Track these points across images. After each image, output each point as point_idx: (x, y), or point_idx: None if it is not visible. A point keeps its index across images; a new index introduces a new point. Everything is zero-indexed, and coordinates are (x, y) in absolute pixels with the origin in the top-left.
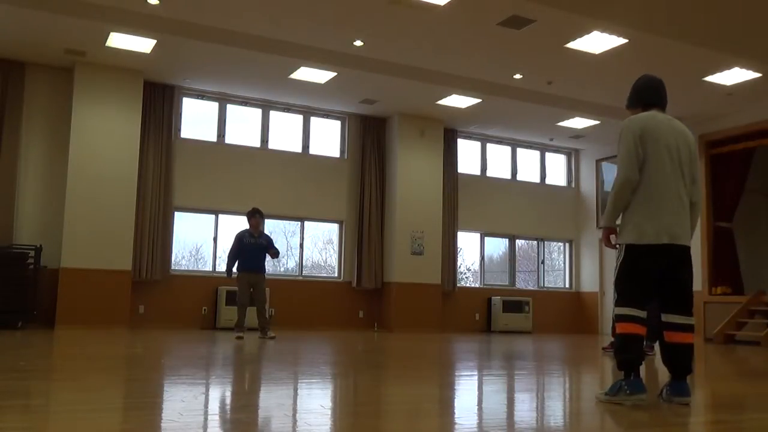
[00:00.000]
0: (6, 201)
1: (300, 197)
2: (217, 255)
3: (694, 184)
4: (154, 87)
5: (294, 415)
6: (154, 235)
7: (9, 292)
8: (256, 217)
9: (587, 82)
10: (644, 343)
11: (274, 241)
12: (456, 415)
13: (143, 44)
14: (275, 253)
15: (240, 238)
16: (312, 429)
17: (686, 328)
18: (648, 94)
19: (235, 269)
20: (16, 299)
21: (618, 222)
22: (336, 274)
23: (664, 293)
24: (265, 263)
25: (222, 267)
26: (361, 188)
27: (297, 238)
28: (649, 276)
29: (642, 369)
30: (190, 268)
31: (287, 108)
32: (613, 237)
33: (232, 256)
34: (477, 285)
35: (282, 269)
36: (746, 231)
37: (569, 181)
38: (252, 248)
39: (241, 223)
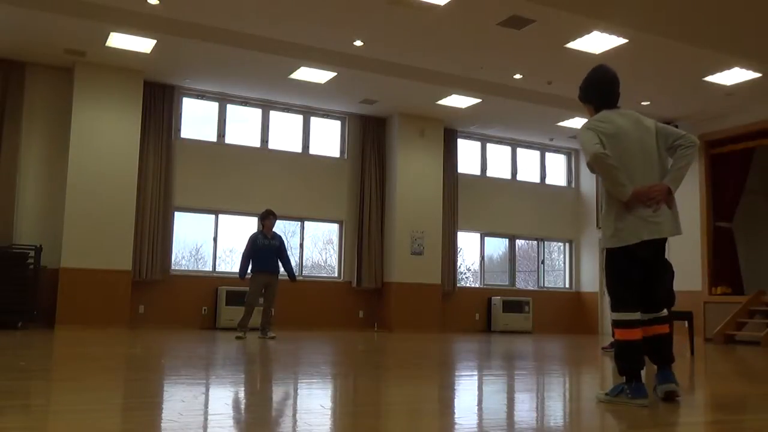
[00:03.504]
0: (6, 201)
1: (300, 197)
2: (218, 255)
3: (683, 139)
4: (154, 87)
5: (294, 415)
6: (154, 235)
7: (9, 292)
8: (270, 218)
9: None
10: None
11: (286, 242)
12: (456, 415)
13: (143, 44)
14: (293, 278)
15: (254, 240)
16: (312, 429)
17: (659, 321)
18: (600, 94)
19: (249, 271)
20: (16, 299)
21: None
22: (336, 274)
23: (642, 292)
24: (279, 265)
25: (222, 267)
26: (361, 188)
27: (297, 238)
28: (636, 274)
29: (643, 373)
30: (190, 268)
31: (287, 108)
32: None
33: (246, 258)
34: (477, 285)
35: (282, 269)
36: (746, 231)
37: (569, 181)
38: (266, 250)
39: (242, 224)
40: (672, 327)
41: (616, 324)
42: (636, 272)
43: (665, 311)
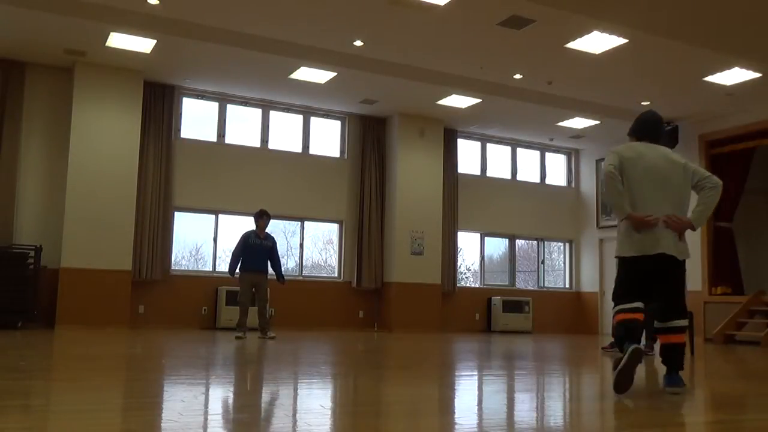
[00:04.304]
0: (6, 201)
1: (300, 197)
2: (217, 255)
3: (707, 179)
4: (154, 87)
5: (294, 415)
6: (154, 235)
7: (9, 292)
8: (263, 218)
9: (587, 82)
10: (644, 342)
11: (278, 243)
12: (456, 415)
13: (143, 44)
14: (281, 280)
15: (246, 238)
16: (312, 429)
17: (673, 331)
18: (641, 128)
19: (237, 269)
20: (16, 299)
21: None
22: (336, 274)
23: (653, 301)
24: (268, 265)
25: (222, 267)
26: (361, 188)
27: (297, 238)
28: (638, 279)
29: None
30: (190, 268)
31: (287, 108)
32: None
33: (236, 256)
34: (477, 285)
35: (282, 269)
36: (746, 231)
37: (569, 181)
38: (257, 249)
39: (242, 224)
40: (685, 336)
41: (615, 312)
42: (639, 279)
43: (680, 322)
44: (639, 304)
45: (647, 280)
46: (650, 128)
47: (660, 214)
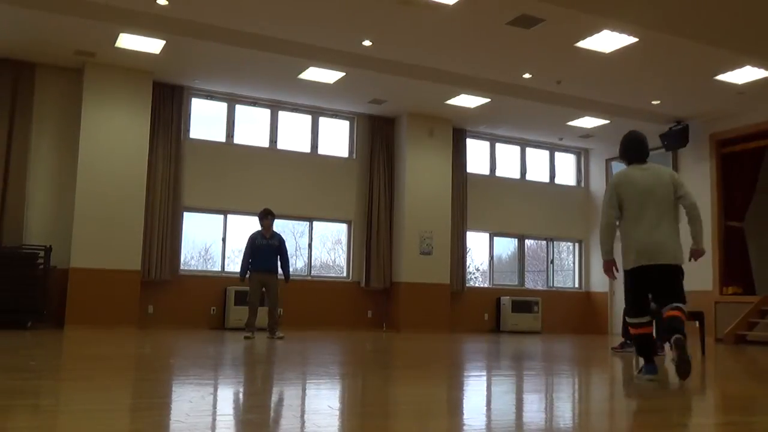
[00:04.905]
0: (16, 201)
1: (309, 197)
2: (226, 255)
3: (683, 198)
4: (164, 87)
5: (302, 416)
6: (164, 235)
7: (19, 292)
8: (268, 218)
9: (597, 82)
10: (655, 342)
11: (285, 241)
12: (465, 416)
13: (152, 45)
14: (286, 279)
15: (252, 240)
16: (320, 430)
17: (674, 308)
18: (628, 153)
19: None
20: (26, 299)
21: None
22: (344, 274)
23: (655, 296)
24: (277, 264)
25: (230, 267)
26: (370, 188)
27: (306, 238)
28: (642, 288)
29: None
30: (199, 268)
31: (296, 108)
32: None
33: (246, 260)
34: (486, 285)
35: (291, 269)
36: (757, 231)
37: (578, 181)
38: (264, 249)
39: (250, 224)
40: (684, 315)
41: (631, 325)
42: (641, 287)
43: (678, 303)
44: (647, 318)
45: (650, 284)
46: (636, 148)
47: (657, 228)
